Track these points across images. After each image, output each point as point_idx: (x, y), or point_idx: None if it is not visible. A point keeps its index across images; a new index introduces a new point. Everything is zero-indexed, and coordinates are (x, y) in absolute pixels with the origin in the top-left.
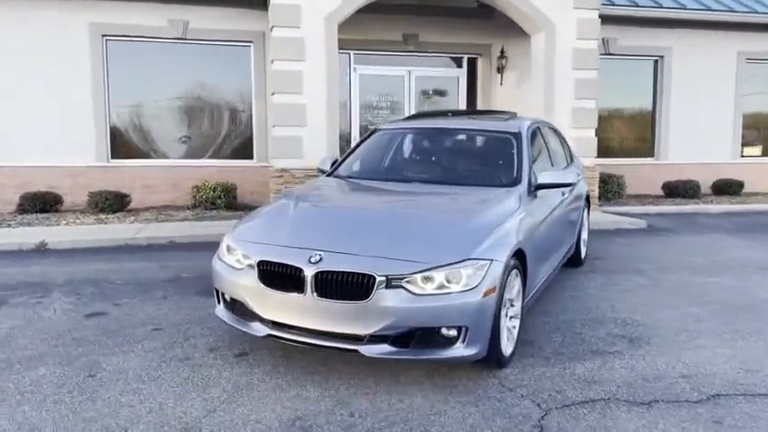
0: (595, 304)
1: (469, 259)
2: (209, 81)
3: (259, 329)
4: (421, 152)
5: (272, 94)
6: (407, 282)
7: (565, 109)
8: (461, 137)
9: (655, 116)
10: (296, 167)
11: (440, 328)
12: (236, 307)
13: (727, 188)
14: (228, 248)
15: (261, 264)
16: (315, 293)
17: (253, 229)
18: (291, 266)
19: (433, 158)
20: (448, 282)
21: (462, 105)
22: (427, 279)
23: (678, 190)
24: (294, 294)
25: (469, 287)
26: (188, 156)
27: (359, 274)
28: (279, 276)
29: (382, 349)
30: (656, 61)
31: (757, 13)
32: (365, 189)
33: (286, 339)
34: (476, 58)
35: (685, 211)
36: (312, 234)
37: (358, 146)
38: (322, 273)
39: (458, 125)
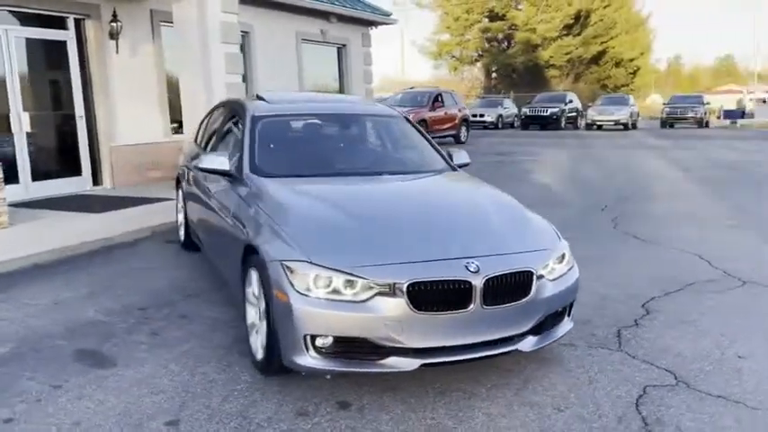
0: None
1: (562, 240)
2: None
3: (402, 364)
4: (342, 140)
5: None
6: (543, 271)
7: (219, 84)
8: (365, 122)
9: (247, 87)
10: None
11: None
12: (342, 348)
13: None
14: (317, 278)
15: (412, 286)
16: (483, 304)
17: (344, 247)
18: (456, 281)
19: (360, 147)
20: (554, 265)
21: (76, 73)
22: (547, 265)
23: None
24: (457, 311)
25: (570, 265)
26: None
27: (520, 272)
28: (433, 295)
29: (531, 342)
30: (243, 36)
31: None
32: (363, 188)
33: (440, 364)
34: (83, 20)
35: None
36: (432, 242)
37: (253, 137)
38: (489, 280)
39: (354, 110)
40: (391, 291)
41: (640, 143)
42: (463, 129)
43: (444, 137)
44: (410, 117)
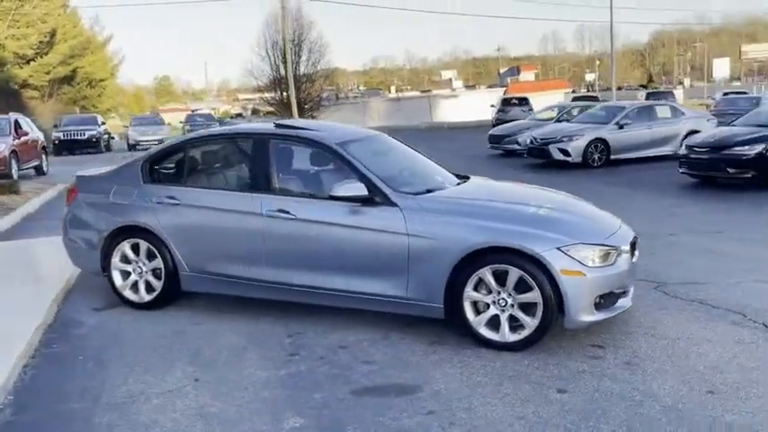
0: None
1: None
2: None
3: (626, 303)
4: (400, 158)
5: None
6: None
7: None
8: (389, 140)
9: None
10: None
11: None
12: (603, 302)
13: None
14: (591, 253)
15: (630, 245)
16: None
17: (580, 229)
18: (635, 237)
19: (416, 161)
20: None
21: None
22: None
23: None
24: (632, 259)
25: None
26: None
27: None
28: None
29: None
30: None
31: None
32: (497, 190)
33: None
34: None
35: None
36: (600, 218)
37: (360, 161)
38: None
39: (369, 131)
40: (619, 252)
41: None
42: (44, 157)
43: (28, 168)
44: None
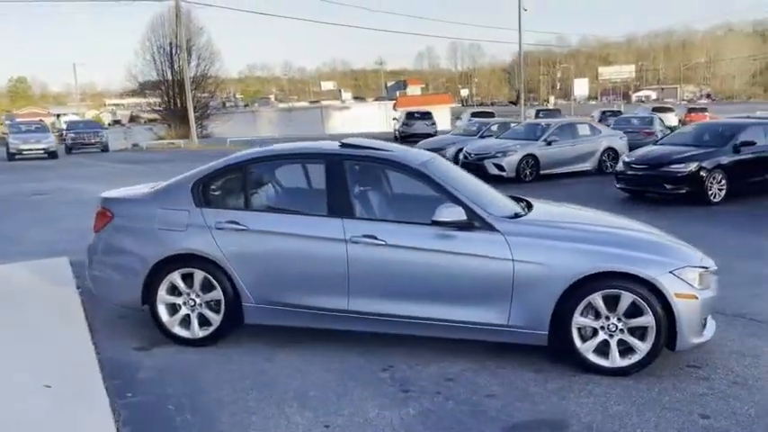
0: None
1: None
2: None
3: (713, 325)
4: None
5: None
6: None
7: None
8: None
9: None
10: None
11: None
12: (705, 322)
13: None
14: (697, 276)
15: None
16: None
17: (675, 252)
18: None
19: None
20: None
21: None
22: None
23: None
24: None
25: None
26: None
27: None
28: None
29: None
30: None
31: None
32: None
33: None
34: None
35: None
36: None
37: (449, 184)
38: None
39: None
40: (711, 274)
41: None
42: None
43: None
44: None
